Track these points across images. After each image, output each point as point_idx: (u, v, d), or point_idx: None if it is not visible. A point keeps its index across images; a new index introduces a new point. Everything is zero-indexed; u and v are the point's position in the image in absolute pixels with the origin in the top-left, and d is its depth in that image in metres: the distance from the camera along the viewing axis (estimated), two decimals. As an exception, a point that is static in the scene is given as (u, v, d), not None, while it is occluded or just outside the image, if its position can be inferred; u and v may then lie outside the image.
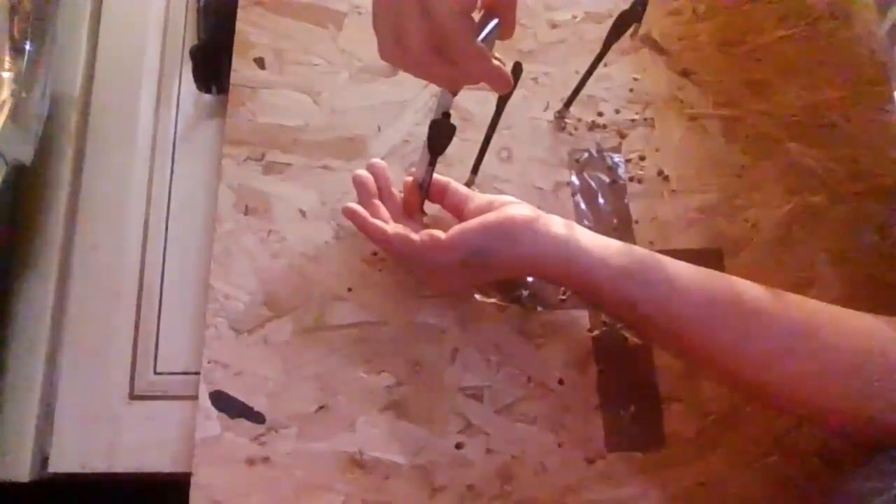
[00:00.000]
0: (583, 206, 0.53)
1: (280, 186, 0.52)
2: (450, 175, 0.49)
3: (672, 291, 0.41)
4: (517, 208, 0.44)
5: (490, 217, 0.44)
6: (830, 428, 0.44)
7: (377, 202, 0.48)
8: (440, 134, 0.42)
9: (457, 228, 0.44)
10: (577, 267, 0.43)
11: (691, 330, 0.41)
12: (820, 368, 0.38)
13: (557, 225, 0.44)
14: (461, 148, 0.52)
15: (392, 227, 0.45)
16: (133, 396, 0.50)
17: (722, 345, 0.41)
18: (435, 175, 0.47)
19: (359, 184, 0.48)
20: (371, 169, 0.49)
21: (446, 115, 0.42)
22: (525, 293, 0.50)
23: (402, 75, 0.55)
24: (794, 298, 0.41)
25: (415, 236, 0.44)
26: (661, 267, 0.42)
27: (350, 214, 0.46)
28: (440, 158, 0.45)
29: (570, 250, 0.43)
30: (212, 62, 0.55)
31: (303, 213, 0.52)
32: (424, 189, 0.48)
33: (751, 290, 0.41)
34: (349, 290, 0.50)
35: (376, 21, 0.36)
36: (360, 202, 0.48)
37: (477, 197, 0.47)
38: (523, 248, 0.43)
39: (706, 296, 0.41)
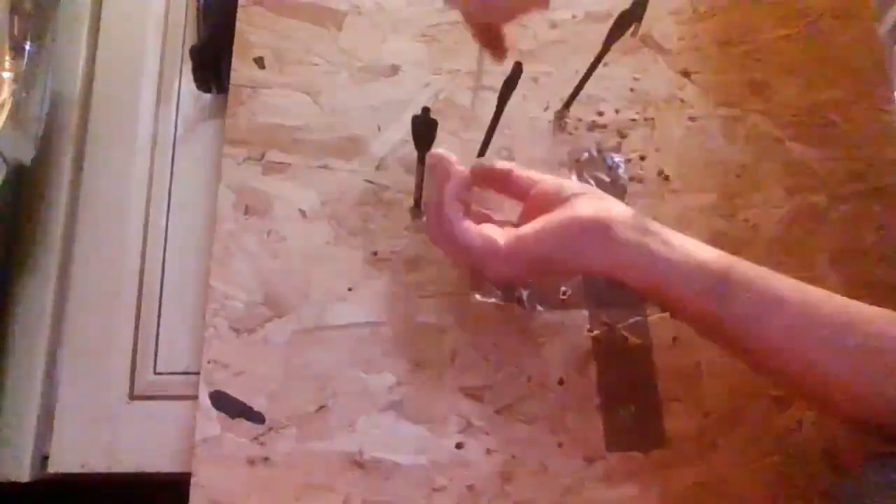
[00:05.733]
0: (583, 206, 0.53)
1: (280, 186, 0.52)
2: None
3: (762, 312, 0.37)
4: (586, 206, 0.39)
5: (554, 221, 0.39)
6: None
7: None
8: (423, 129, 0.42)
9: (515, 236, 0.39)
10: (655, 280, 0.38)
11: (785, 353, 0.37)
12: None
13: (633, 230, 0.38)
14: (461, 148, 0.52)
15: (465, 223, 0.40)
16: (133, 396, 0.50)
17: (828, 372, 0.36)
18: (499, 162, 0.44)
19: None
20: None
21: (426, 109, 0.41)
22: (525, 293, 0.50)
23: (402, 75, 0.55)
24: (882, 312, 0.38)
25: (473, 235, 0.40)
26: (748, 283, 0.38)
27: (437, 160, 0.41)
28: None
29: (648, 261, 0.38)
30: (212, 62, 0.55)
31: (303, 213, 0.52)
32: (418, 187, 0.47)
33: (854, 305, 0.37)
34: (349, 290, 0.50)
35: None
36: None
37: (542, 181, 0.42)
38: (591, 258, 0.39)
39: (803, 314, 0.36)
